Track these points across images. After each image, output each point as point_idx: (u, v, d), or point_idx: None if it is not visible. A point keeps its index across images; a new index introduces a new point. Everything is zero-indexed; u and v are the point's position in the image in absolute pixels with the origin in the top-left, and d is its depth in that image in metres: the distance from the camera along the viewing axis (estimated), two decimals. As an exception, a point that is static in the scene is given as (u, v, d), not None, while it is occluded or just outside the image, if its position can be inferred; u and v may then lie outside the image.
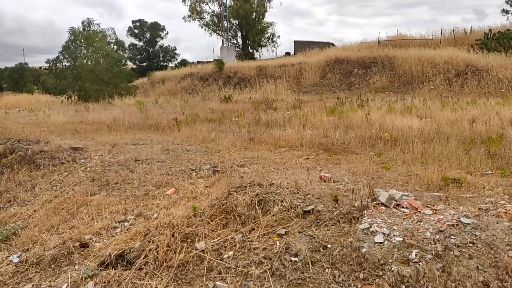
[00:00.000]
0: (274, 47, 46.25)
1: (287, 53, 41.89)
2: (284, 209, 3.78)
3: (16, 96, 29.60)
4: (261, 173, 5.32)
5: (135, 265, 3.44)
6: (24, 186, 6.18)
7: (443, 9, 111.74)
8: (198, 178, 5.52)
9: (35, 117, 14.16)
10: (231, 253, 3.37)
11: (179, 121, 10.92)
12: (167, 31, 52.84)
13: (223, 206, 3.98)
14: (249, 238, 3.52)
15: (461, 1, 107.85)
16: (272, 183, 4.40)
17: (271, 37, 45.60)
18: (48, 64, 24.39)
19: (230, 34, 44.01)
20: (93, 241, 4.10)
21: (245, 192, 4.14)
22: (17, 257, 4.06)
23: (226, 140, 8.23)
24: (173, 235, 3.61)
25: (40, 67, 42.15)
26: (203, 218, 3.90)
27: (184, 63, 41.56)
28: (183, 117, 12.10)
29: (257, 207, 3.85)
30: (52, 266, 3.78)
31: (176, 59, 50.31)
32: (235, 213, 3.87)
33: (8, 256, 4.11)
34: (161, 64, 50.17)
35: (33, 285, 3.53)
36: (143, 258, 3.47)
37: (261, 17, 44.07)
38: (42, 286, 3.51)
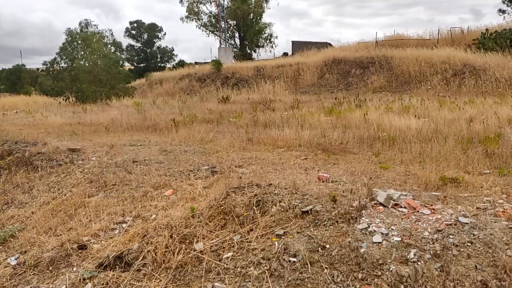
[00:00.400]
0: (272, 47, 46.42)
1: (285, 54, 41.87)
2: (282, 209, 3.77)
3: (14, 98, 29.55)
4: (259, 174, 5.32)
5: (133, 267, 3.43)
6: (22, 188, 6.15)
7: (440, 9, 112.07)
8: (196, 179, 5.52)
9: (33, 119, 14.12)
10: (229, 254, 3.36)
11: (177, 122, 10.91)
12: (165, 32, 52.82)
13: (222, 207, 3.97)
14: (247, 238, 3.52)
15: (458, 1, 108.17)
16: (270, 184, 4.40)
17: (268, 37, 45.70)
18: (45, 66, 24.32)
19: (228, 34, 44.04)
20: (91, 242, 4.09)
21: (243, 192, 4.14)
22: (15, 259, 4.04)
23: (224, 141, 8.22)
24: (171, 236, 3.60)
25: (38, 69, 42.07)
26: (202, 219, 3.90)
27: (182, 64, 41.47)
28: (181, 118, 12.08)
29: (255, 207, 3.85)
30: (50, 268, 3.76)
31: (174, 60, 50.29)
32: (233, 214, 3.87)
33: (6, 259, 4.10)
34: (159, 65, 50.11)
35: (31, 287, 3.52)
36: (141, 260, 3.46)
37: (258, 18, 44.09)
38: (40, 288, 3.50)
